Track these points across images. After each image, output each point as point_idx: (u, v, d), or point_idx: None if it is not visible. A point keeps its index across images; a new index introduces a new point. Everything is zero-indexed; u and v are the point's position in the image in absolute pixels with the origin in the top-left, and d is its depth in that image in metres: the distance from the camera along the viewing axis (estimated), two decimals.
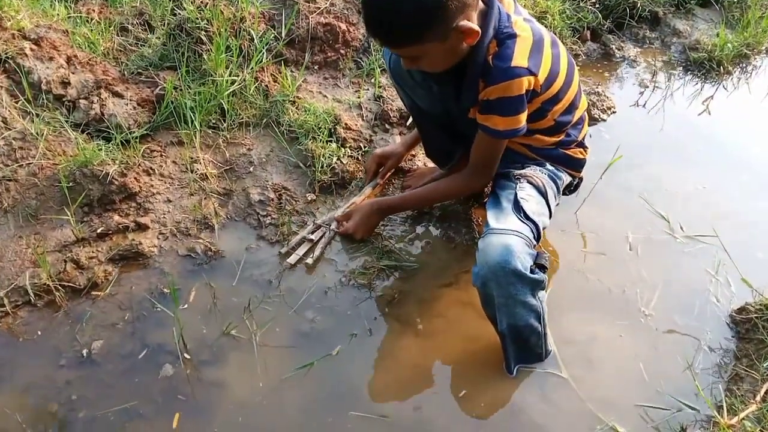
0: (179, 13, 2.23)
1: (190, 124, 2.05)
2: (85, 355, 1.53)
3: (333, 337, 1.61)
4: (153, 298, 1.67)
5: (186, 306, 1.65)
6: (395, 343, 1.61)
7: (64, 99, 1.97)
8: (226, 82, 2.12)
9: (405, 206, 1.89)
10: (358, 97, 2.32)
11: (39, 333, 1.58)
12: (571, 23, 2.84)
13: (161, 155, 2.01)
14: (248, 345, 1.57)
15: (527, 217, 1.49)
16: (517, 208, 1.50)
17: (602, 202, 2.03)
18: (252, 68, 2.19)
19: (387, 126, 2.24)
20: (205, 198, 1.95)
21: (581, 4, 2.88)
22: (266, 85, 2.23)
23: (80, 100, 1.98)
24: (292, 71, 2.32)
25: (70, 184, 1.79)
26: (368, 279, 1.75)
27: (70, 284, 1.66)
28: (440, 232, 1.93)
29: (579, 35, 2.87)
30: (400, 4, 1.27)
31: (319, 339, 1.60)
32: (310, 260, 1.78)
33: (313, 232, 1.88)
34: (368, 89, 2.36)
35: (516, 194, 1.54)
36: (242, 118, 2.15)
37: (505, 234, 1.42)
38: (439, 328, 1.64)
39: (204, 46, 2.17)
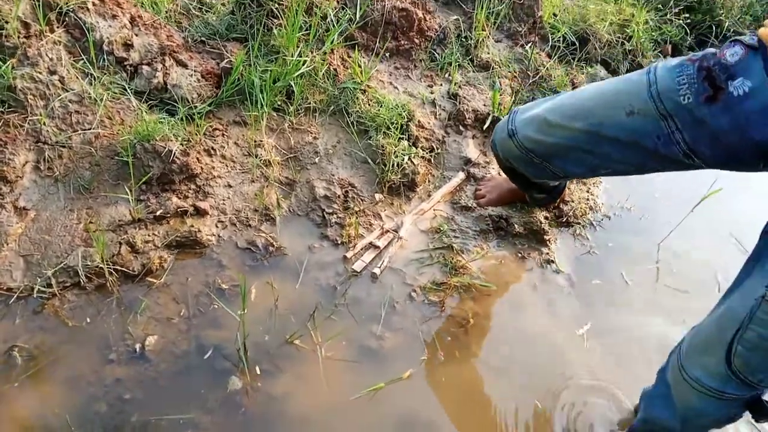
0: None
1: (255, 104, 1.90)
2: (137, 350, 1.41)
3: (402, 357, 1.49)
4: (211, 292, 1.55)
5: (246, 307, 1.53)
6: (468, 373, 1.50)
7: (125, 63, 1.82)
8: (297, 62, 1.96)
9: None
10: (431, 93, 2.17)
11: (88, 320, 1.46)
12: (654, 36, 2.67)
13: (223, 135, 1.87)
14: (312, 357, 1.45)
15: (744, 380, 1.05)
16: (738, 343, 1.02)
17: (691, 236, 1.90)
18: (324, 50, 2.04)
19: (461, 127, 2.09)
20: (267, 186, 1.81)
21: (668, 16, 2.71)
22: (335, 69, 2.08)
23: (143, 66, 1.83)
24: (362, 56, 2.16)
25: (131, 158, 1.65)
26: (440, 297, 1.62)
27: (123, 269, 1.54)
28: (515, 250, 1.80)
29: (660, 49, 2.70)
30: None
31: (386, 358, 1.48)
32: (377, 270, 1.66)
33: (379, 237, 1.75)
34: (442, 85, 2.21)
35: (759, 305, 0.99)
36: (309, 103, 2.01)
37: (702, 392, 1.09)
38: (518, 360, 1.52)
39: (275, 20, 2.01)
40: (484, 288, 1.67)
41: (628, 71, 2.60)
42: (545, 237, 1.82)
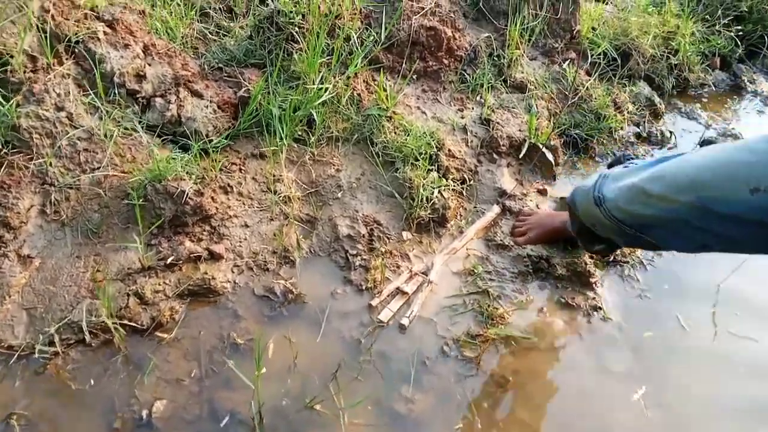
0: (270, 3, 1.95)
1: (274, 135, 1.78)
2: (144, 417, 1.29)
3: (434, 424, 1.34)
4: (224, 348, 1.43)
5: (260, 370, 1.39)
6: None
7: (138, 95, 1.71)
8: (318, 89, 1.83)
9: None
10: (462, 118, 2.02)
11: (92, 382, 1.34)
12: (701, 48, 2.47)
13: (240, 170, 1.75)
14: (335, 424, 1.31)
15: None
16: None
17: (755, 276, 1.70)
18: (348, 75, 1.90)
19: (495, 156, 1.93)
20: (286, 225, 1.68)
21: (716, 27, 2.50)
22: (358, 95, 1.94)
23: (156, 98, 1.72)
24: (387, 79, 2.03)
25: (140, 200, 1.54)
26: (476, 352, 1.47)
27: (131, 323, 1.42)
28: (558, 295, 1.63)
29: (709, 62, 2.50)
30: None
31: (417, 425, 1.33)
32: (405, 320, 1.51)
33: (407, 282, 1.61)
34: (473, 109, 2.06)
35: None
36: (331, 132, 1.88)
37: None
38: (565, 429, 1.35)
39: (296, 45, 1.89)
40: (525, 340, 1.50)
41: (673, 87, 2.41)
42: (591, 279, 1.65)
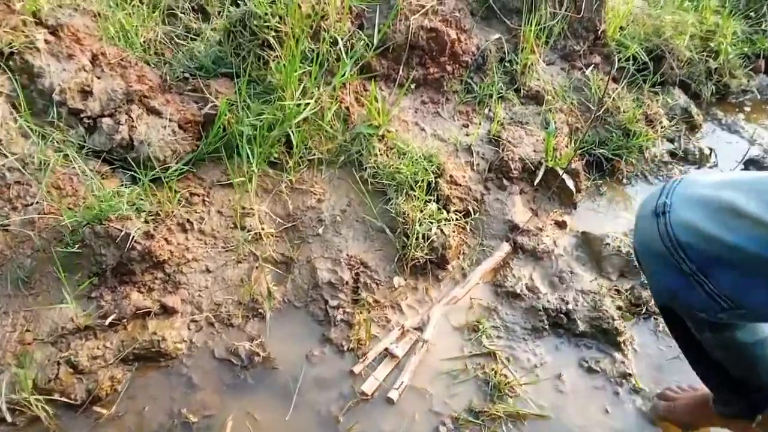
0: (243, 4, 1.68)
1: (245, 160, 1.51)
2: None
3: None
4: (174, 428, 1.18)
5: None
6: None
7: (82, 115, 1.46)
8: (298, 104, 1.56)
9: None
10: (467, 135, 1.74)
11: None
12: (744, 50, 2.15)
13: (204, 202, 1.49)
14: None
15: None
16: None
17: None
18: (334, 85, 1.63)
19: (505, 181, 1.65)
20: (256, 269, 1.43)
21: (762, 26, 2.18)
22: (347, 108, 1.67)
23: (103, 118, 1.47)
24: (381, 89, 1.75)
25: (77, 246, 1.29)
26: None
27: (63, 399, 1.18)
28: (579, 358, 1.36)
29: (752, 65, 2.19)
30: None
31: None
32: (394, 392, 1.25)
33: (398, 341, 1.35)
34: (480, 124, 1.77)
35: None
36: (313, 154, 1.61)
37: None
38: None
39: (272, 53, 1.61)
40: (539, 418, 1.24)
41: (712, 95, 2.10)
42: (618, 338, 1.37)
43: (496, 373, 1.30)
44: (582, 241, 1.58)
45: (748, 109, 2.16)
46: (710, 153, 1.91)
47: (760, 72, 2.22)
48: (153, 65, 1.67)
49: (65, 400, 1.18)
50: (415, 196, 1.52)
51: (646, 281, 1.06)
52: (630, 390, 1.30)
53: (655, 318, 1.45)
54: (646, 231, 0.87)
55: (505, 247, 1.54)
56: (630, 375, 1.32)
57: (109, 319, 1.25)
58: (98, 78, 1.50)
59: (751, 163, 1.88)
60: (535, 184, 1.64)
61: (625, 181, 1.82)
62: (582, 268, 1.51)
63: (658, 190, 0.89)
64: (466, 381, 1.30)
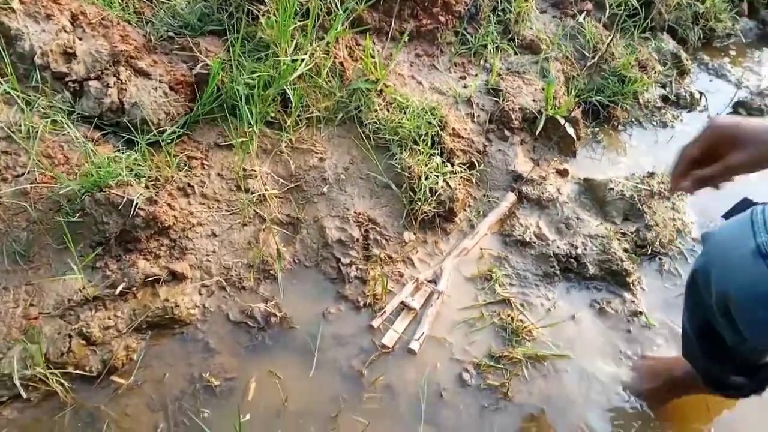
0: None
1: (241, 120, 1.46)
2: None
3: None
4: (196, 392, 1.16)
5: (243, 410, 1.13)
6: None
7: (67, 79, 1.38)
8: (293, 60, 1.51)
9: None
10: (465, 87, 1.72)
11: None
12: None
13: (203, 165, 1.44)
14: None
15: None
16: None
17: None
18: (327, 40, 1.58)
19: (506, 132, 1.64)
20: (263, 230, 1.40)
21: None
22: (341, 64, 1.62)
23: (90, 82, 1.39)
24: (374, 44, 1.70)
25: (77, 215, 1.24)
26: (501, 378, 1.22)
27: (77, 371, 1.14)
28: (591, 300, 1.38)
29: (736, 9, 2.20)
30: None
31: None
32: (415, 343, 1.25)
33: (413, 294, 1.34)
34: (477, 75, 1.75)
35: None
36: (311, 112, 1.56)
37: None
38: None
39: (262, 6, 1.55)
40: (558, 358, 1.26)
41: (699, 40, 2.12)
42: (627, 279, 1.40)
43: (512, 319, 1.31)
44: (585, 187, 1.59)
45: (733, 52, 2.19)
46: (700, 97, 1.93)
47: (743, 15, 2.24)
48: (134, 25, 1.59)
49: (80, 372, 1.15)
50: (419, 150, 1.50)
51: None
52: (641, 326, 1.34)
53: (660, 258, 1.48)
54: (750, 273, 0.77)
55: (511, 197, 1.54)
56: (640, 313, 1.36)
57: (119, 288, 1.21)
58: (80, 39, 1.42)
59: (739, 106, 1.91)
60: (537, 133, 1.63)
61: (620, 127, 1.84)
62: (587, 214, 1.53)
63: (745, 225, 0.80)
64: (483, 328, 1.31)
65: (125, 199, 1.23)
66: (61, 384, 1.12)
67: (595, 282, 1.41)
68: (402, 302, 1.32)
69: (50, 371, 1.11)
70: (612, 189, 1.53)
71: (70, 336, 1.16)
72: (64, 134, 1.34)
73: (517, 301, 1.35)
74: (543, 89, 1.68)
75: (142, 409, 1.14)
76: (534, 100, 1.67)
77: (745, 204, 0.87)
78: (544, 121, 1.62)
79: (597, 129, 1.80)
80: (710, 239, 0.86)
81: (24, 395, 1.10)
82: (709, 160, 0.83)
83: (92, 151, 1.29)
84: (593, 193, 1.56)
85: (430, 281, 1.37)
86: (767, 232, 0.77)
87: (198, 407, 1.14)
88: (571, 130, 1.62)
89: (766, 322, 0.78)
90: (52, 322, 1.18)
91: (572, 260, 1.41)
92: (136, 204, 1.23)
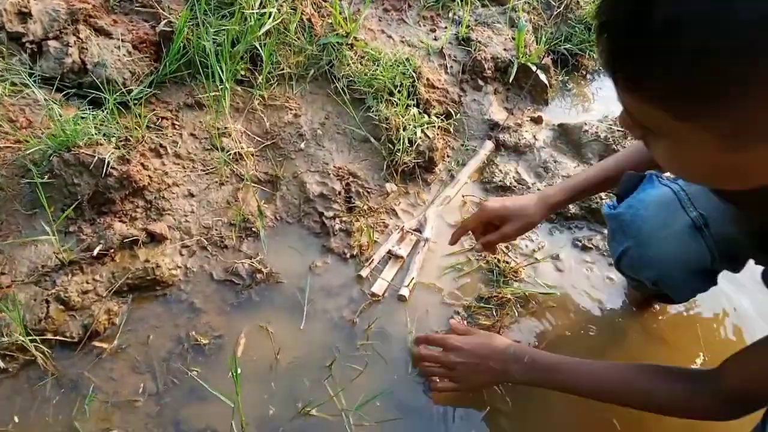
0: None
1: (211, 78, 1.42)
2: None
3: (459, 411, 1.10)
4: (184, 352, 1.13)
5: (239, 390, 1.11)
6: (550, 419, 1.12)
7: (24, 40, 1.31)
8: (260, 15, 1.47)
9: (562, 382, 0.97)
10: (435, 39, 1.70)
11: (16, 419, 1.02)
12: None
13: (174, 125, 1.39)
14: (339, 430, 1.06)
15: None
16: None
17: None
18: None
19: (479, 81, 1.64)
20: (242, 189, 1.36)
21: None
22: (309, 20, 1.59)
23: (49, 41, 1.32)
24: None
25: (45, 177, 1.18)
26: (493, 319, 1.23)
27: (57, 337, 1.10)
28: (573, 239, 1.40)
29: None
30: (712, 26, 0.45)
31: (441, 416, 1.10)
32: (404, 290, 1.25)
33: (399, 243, 1.34)
34: (446, 28, 1.74)
35: None
36: (282, 69, 1.53)
37: None
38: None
39: None
40: (545, 296, 1.28)
41: None
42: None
43: (498, 261, 1.32)
44: (560, 132, 1.60)
45: None
46: None
47: None
48: None
49: (61, 338, 1.10)
50: (395, 101, 1.48)
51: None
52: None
53: None
54: (686, 248, 0.91)
55: (489, 145, 1.54)
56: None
57: (96, 250, 1.16)
58: None
59: None
60: (509, 81, 1.63)
61: (589, 76, 1.86)
62: (564, 157, 1.55)
63: (671, 203, 0.94)
64: (471, 272, 1.31)
65: (96, 158, 1.18)
66: (41, 352, 1.07)
67: (576, 221, 1.43)
68: (389, 251, 1.31)
69: (30, 338, 1.06)
70: (586, 131, 1.55)
71: (47, 302, 1.11)
72: (24, 97, 1.27)
73: (502, 244, 1.36)
74: (513, 38, 1.68)
75: (128, 372, 1.10)
76: (505, 49, 1.67)
77: (632, 179, 1.00)
78: (516, 69, 1.63)
79: (567, 78, 1.82)
80: (633, 222, 0.97)
81: (1, 365, 1.05)
82: (488, 228, 1.15)
83: (58, 112, 1.23)
84: (568, 137, 1.58)
85: (415, 230, 1.36)
86: (695, 208, 0.90)
87: (187, 366, 1.11)
88: (543, 77, 1.63)
89: (696, 291, 1.00)
90: (26, 289, 1.12)
91: None
92: (108, 163, 1.18)
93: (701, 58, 0.45)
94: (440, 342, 1.09)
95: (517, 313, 1.25)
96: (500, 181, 1.47)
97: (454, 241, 1.21)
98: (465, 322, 1.21)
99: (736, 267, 0.98)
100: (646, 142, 0.61)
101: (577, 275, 1.34)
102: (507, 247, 1.36)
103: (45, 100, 1.25)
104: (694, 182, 0.74)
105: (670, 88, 0.49)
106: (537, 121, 1.62)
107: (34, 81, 1.28)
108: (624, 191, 1.01)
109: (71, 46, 1.32)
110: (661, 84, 0.49)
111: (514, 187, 1.46)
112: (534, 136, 1.58)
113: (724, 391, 0.81)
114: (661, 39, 0.46)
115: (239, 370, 1.08)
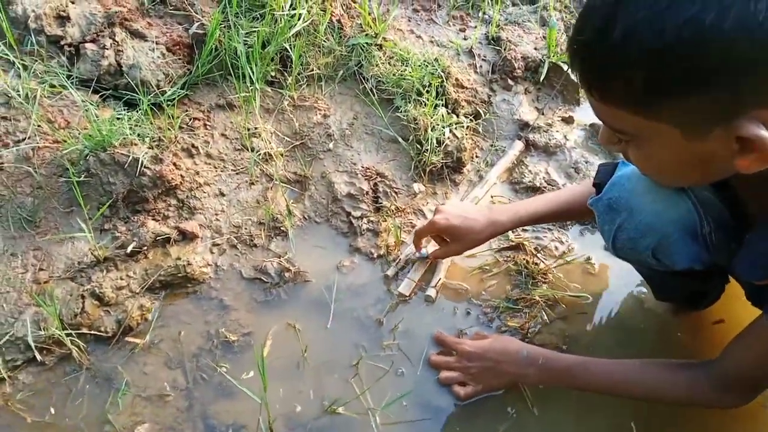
0: None
1: (242, 79, 1.44)
2: None
3: (487, 413, 1.09)
4: (214, 348, 1.15)
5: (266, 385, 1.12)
6: (578, 419, 1.10)
7: (62, 43, 1.35)
8: (290, 16, 1.48)
9: (575, 381, 1.03)
10: (465, 39, 1.69)
11: (52, 411, 1.06)
12: None
13: (206, 126, 1.42)
14: (365, 430, 1.06)
15: None
16: None
17: None
18: None
19: (509, 81, 1.62)
20: (271, 189, 1.38)
21: None
22: (338, 21, 1.59)
23: (86, 44, 1.36)
24: (369, 0, 1.67)
25: (83, 175, 1.21)
26: (521, 320, 1.21)
27: (92, 332, 1.13)
28: (604, 242, 1.37)
29: None
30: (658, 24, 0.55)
31: (467, 417, 1.09)
32: (431, 290, 1.24)
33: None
34: (476, 27, 1.72)
35: None
36: (311, 70, 1.54)
37: None
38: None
39: None
40: (576, 299, 1.25)
41: None
42: None
43: (527, 262, 1.30)
44: (592, 133, 1.57)
45: None
46: None
47: None
48: None
49: (95, 333, 1.13)
50: (423, 101, 1.48)
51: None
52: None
53: None
54: (676, 205, 0.92)
55: (518, 146, 1.52)
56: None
57: (130, 248, 1.19)
58: (72, 2, 1.38)
59: None
60: (541, 81, 1.61)
61: None
62: (596, 158, 1.51)
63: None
64: (499, 273, 1.30)
65: (130, 157, 1.21)
66: (77, 346, 1.10)
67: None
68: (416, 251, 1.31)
69: (66, 332, 1.09)
70: None
71: (82, 297, 1.14)
72: (62, 98, 1.32)
73: (531, 246, 1.34)
74: (544, 37, 1.66)
75: (160, 367, 1.13)
76: (536, 48, 1.65)
77: (607, 167, 1.02)
78: (547, 68, 1.61)
79: None
80: (620, 196, 0.95)
81: (39, 358, 1.09)
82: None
83: (95, 113, 1.27)
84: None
85: None
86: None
87: (216, 362, 1.13)
88: (575, 77, 1.60)
89: (697, 260, 0.94)
90: (63, 284, 1.16)
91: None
92: (142, 162, 1.21)
93: (654, 60, 0.56)
94: (453, 346, 1.13)
95: (546, 317, 1.23)
96: (530, 182, 1.45)
97: (417, 249, 1.27)
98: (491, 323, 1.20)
99: (728, 242, 0.92)
100: (625, 153, 0.73)
101: (609, 278, 1.31)
102: (536, 248, 1.34)
103: (82, 101, 1.28)
104: (668, 183, 0.85)
105: (635, 90, 0.59)
106: (568, 121, 1.60)
107: (72, 83, 1.32)
108: (602, 179, 1.01)
109: (107, 49, 1.35)
110: (628, 88, 0.60)
111: (544, 188, 1.44)
112: (565, 136, 1.55)
113: (723, 377, 0.89)
114: (623, 49, 0.57)
115: (267, 367, 1.09)
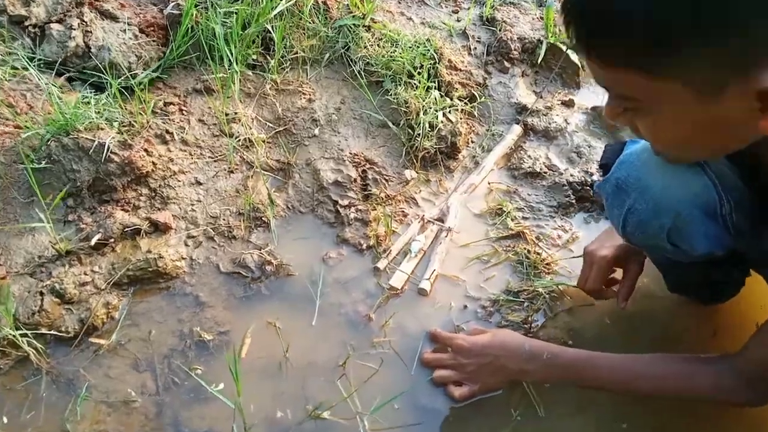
0: None
1: (220, 62, 1.34)
2: None
3: (485, 417, 0.99)
4: (187, 348, 1.05)
5: (240, 363, 1.02)
6: (579, 422, 1.00)
7: (26, 23, 1.26)
8: None
9: (582, 377, 0.95)
10: (458, 20, 1.60)
11: (5, 420, 0.95)
12: None
13: (181, 110, 1.32)
14: None
15: None
16: None
17: None
18: None
19: (506, 63, 1.53)
20: (252, 177, 1.28)
21: None
22: (324, 1, 1.51)
23: (52, 25, 1.27)
24: None
25: (42, 162, 1.12)
26: (523, 313, 1.12)
27: (52, 332, 1.02)
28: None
29: None
30: None
31: (463, 421, 0.99)
32: (425, 283, 1.14)
33: (420, 233, 1.24)
34: (470, 8, 1.64)
35: None
36: (296, 53, 1.45)
37: None
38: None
39: None
40: (580, 291, 1.15)
41: None
42: None
43: (529, 252, 1.20)
44: (593, 116, 1.48)
45: None
46: None
47: None
48: None
49: (56, 333, 1.03)
50: (414, 84, 1.39)
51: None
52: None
53: None
54: (691, 181, 0.82)
55: (516, 130, 1.43)
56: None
57: (95, 239, 1.09)
58: None
59: None
60: (538, 62, 1.52)
61: None
62: (599, 142, 1.42)
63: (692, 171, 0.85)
64: (498, 264, 1.20)
65: (96, 142, 1.11)
66: (34, 347, 1.00)
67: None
68: (409, 241, 1.21)
69: (21, 332, 0.99)
70: None
71: (41, 293, 1.04)
72: (24, 82, 1.22)
73: (533, 235, 1.24)
74: (541, 17, 1.57)
75: (127, 370, 1.02)
76: (532, 29, 1.57)
77: (614, 147, 0.94)
78: (545, 49, 1.52)
79: None
80: (630, 174, 0.85)
81: None
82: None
83: (59, 96, 1.17)
84: (603, 121, 1.46)
85: (437, 219, 1.26)
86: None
87: (190, 364, 1.03)
88: (575, 57, 1.52)
89: (714, 243, 0.84)
90: (21, 280, 1.06)
91: (588, 188, 1.30)
92: (109, 147, 1.11)
93: (654, 10, 0.51)
94: (447, 341, 1.03)
95: (549, 309, 1.13)
96: (529, 167, 1.36)
97: (605, 296, 1.09)
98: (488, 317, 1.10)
99: (750, 224, 0.83)
100: (633, 124, 0.67)
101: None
102: (538, 237, 1.24)
103: (45, 84, 1.19)
104: (682, 156, 0.76)
105: (638, 44, 0.54)
106: (568, 104, 1.51)
107: (36, 65, 1.23)
108: (609, 159, 0.92)
109: (75, 29, 1.26)
110: (630, 41, 0.55)
111: (545, 173, 1.35)
112: (565, 120, 1.46)
113: (748, 371, 0.83)
114: (619, 3, 0.53)
115: (245, 369, 0.99)
